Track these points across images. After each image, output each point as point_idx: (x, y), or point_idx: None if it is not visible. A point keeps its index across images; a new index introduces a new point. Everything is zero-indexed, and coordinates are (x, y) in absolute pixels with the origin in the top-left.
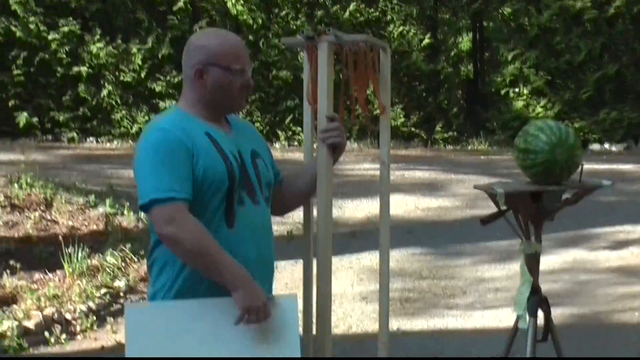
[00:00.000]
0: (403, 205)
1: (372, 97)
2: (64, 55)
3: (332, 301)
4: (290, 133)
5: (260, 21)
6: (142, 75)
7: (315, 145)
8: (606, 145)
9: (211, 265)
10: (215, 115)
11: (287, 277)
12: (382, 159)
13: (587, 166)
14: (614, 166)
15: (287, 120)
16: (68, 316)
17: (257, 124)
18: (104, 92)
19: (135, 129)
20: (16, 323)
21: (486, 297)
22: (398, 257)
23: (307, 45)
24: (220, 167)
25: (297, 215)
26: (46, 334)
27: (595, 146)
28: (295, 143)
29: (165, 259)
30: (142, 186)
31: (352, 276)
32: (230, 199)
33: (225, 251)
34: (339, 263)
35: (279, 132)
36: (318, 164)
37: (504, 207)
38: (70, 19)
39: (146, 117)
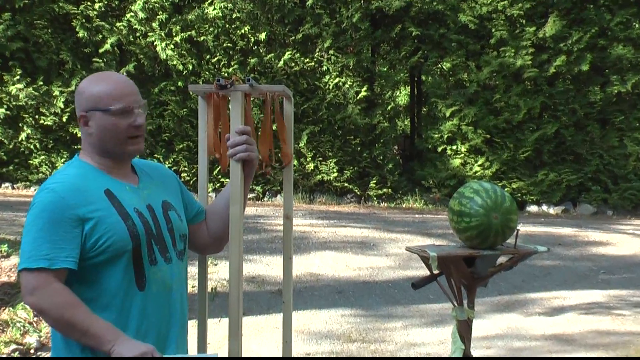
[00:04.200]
0: (333, 264)
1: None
2: None
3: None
4: (218, 185)
5: (190, 67)
6: (64, 119)
7: (212, 195)
8: (544, 207)
9: (79, 334)
10: (114, 163)
11: (210, 337)
12: (285, 212)
13: (524, 229)
14: (552, 229)
15: (215, 172)
16: None
17: (184, 175)
18: (23, 136)
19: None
20: None
21: None
22: (326, 317)
23: (206, 94)
24: (120, 229)
25: (224, 271)
26: None
27: (533, 208)
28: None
29: None
30: (21, 251)
31: (278, 337)
32: (138, 260)
33: (95, 316)
34: (264, 322)
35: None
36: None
37: (436, 271)
38: None
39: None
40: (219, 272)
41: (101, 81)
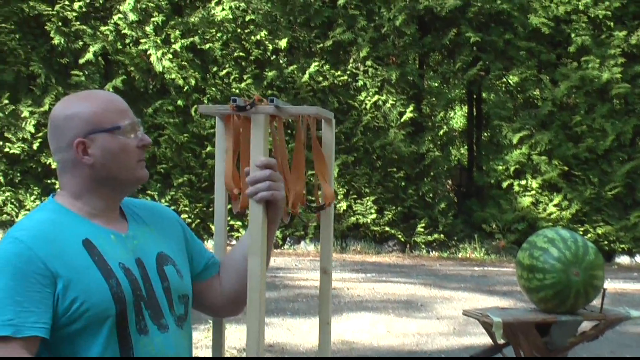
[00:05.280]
0: (371, 329)
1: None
2: None
3: None
4: (227, 227)
5: (193, 82)
6: (35, 146)
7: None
8: (638, 259)
9: None
10: (108, 202)
11: None
12: (323, 265)
13: (613, 286)
14: None
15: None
16: None
17: (184, 216)
18: None
19: (22, 216)
20: None
21: None
22: None
23: (224, 116)
24: (101, 290)
25: (233, 337)
26: None
27: (624, 259)
28: (234, 241)
29: None
30: None
31: None
32: (124, 329)
33: None
34: None
35: (212, 226)
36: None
37: (501, 341)
38: None
39: (37, 202)
40: (227, 338)
41: (92, 98)
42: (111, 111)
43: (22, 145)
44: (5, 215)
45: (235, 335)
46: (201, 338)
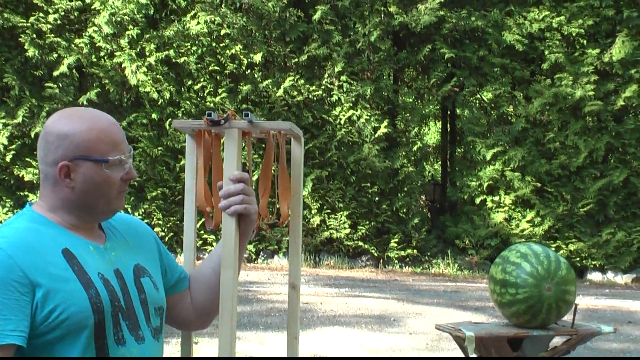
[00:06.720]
0: (343, 344)
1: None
2: None
3: None
4: (200, 242)
5: (167, 95)
6: (8, 158)
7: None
8: (609, 275)
9: None
10: (84, 221)
11: None
12: (291, 280)
13: (584, 302)
14: (619, 303)
15: (198, 225)
16: None
17: (157, 229)
18: None
19: None
20: None
21: None
22: None
23: (194, 131)
24: (80, 299)
25: (205, 351)
26: None
27: (596, 275)
28: (206, 255)
29: None
30: None
31: None
32: (101, 339)
33: None
34: None
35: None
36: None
37: (474, 355)
38: None
39: (9, 214)
40: (199, 352)
41: (90, 122)
42: (104, 142)
43: None
44: None
45: (208, 349)
46: (173, 352)
